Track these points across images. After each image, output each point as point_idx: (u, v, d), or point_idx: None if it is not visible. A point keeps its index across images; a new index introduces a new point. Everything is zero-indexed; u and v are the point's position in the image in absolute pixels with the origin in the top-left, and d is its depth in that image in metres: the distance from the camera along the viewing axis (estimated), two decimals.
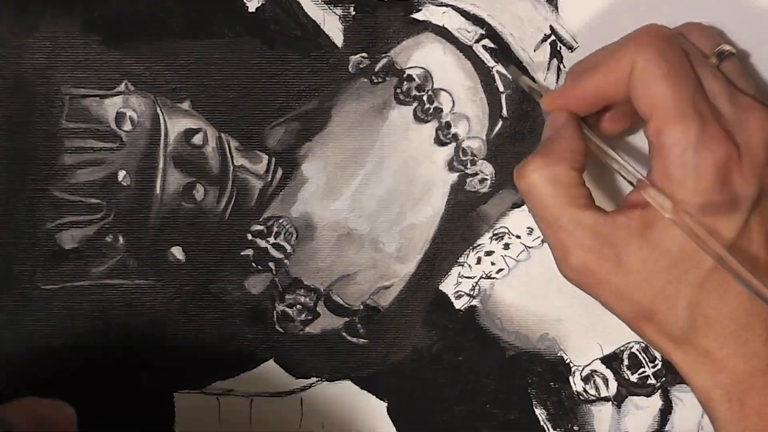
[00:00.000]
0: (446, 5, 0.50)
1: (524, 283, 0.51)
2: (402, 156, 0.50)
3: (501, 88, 0.50)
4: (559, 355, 0.51)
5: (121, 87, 0.50)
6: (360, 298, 0.51)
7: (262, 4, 0.49)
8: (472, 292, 0.51)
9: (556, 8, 0.50)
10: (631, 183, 0.43)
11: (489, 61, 0.50)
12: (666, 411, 0.51)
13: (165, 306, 0.50)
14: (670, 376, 0.51)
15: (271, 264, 0.50)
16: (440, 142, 0.50)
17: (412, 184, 0.50)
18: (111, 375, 0.51)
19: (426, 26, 0.50)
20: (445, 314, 0.51)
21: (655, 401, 0.51)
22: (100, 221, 0.50)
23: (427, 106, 0.50)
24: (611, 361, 0.51)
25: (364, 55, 0.50)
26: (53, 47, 0.49)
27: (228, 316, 0.51)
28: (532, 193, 0.44)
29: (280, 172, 0.50)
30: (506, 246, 0.51)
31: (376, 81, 0.50)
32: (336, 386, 0.51)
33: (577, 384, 0.51)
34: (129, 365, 0.51)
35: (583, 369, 0.51)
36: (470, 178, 0.50)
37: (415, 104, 0.50)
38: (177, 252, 0.50)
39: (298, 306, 0.51)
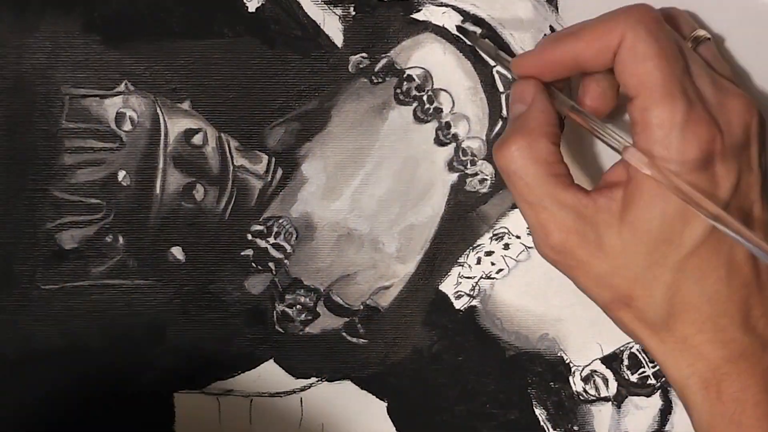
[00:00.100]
0: (446, 5, 0.50)
1: (524, 283, 0.51)
2: (402, 156, 0.50)
3: (501, 88, 0.50)
4: (559, 355, 0.51)
5: (121, 87, 0.50)
6: (360, 298, 0.51)
7: (262, 4, 0.49)
8: (472, 293, 0.51)
9: (556, 8, 0.50)
10: (615, 149, 0.42)
11: (489, 61, 0.50)
12: (666, 411, 0.51)
13: (165, 306, 0.50)
14: None
15: (271, 264, 0.50)
16: (440, 142, 0.50)
17: (412, 184, 0.50)
18: (111, 375, 0.51)
19: (426, 26, 0.50)
20: (445, 314, 0.51)
21: (655, 401, 0.51)
22: (100, 221, 0.50)
23: (427, 106, 0.50)
24: (611, 361, 0.51)
25: (364, 55, 0.50)
26: (53, 47, 0.49)
27: (228, 316, 0.51)
28: (516, 173, 0.43)
29: (280, 172, 0.50)
30: (506, 246, 0.51)
31: (376, 81, 0.50)
32: (336, 386, 0.51)
33: (577, 384, 0.51)
34: (129, 365, 0.51)
35: (583, 369, 0.51)
36: (470, 178, 0.50)
37: (415, 104, 0.50)
38: (177, 252, 0.50)
39: (298, 306, 0.51)
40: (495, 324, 0.51)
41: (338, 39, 0.50)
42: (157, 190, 0.50)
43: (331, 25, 0.50)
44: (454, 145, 0.50)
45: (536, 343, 0.51)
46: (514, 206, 0.51)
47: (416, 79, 0.50)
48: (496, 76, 0.50)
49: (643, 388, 0.51)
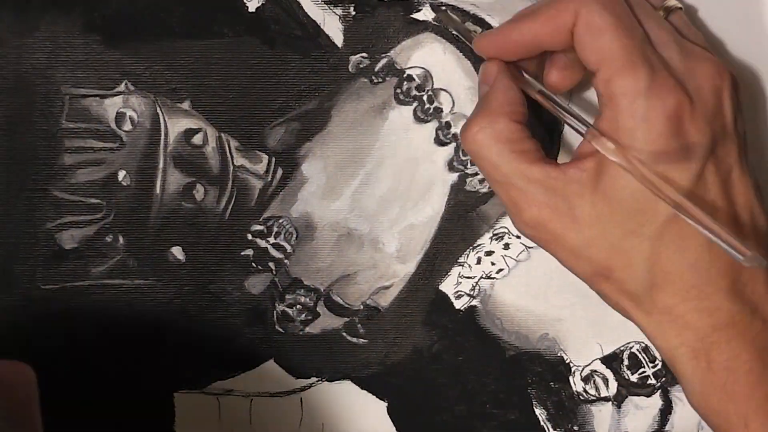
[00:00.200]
0: (446, 5, 0.50)
1: (524, 283, 0.51)
2: (402, 156, 0.50)
3: None
4: (559, 355, 0.51)
5: (121, 87, 0.50)
6: (360, 298, 0.51)
7: (262, 4, 0.49)
8: (472, 292, 0.51)
9: None
10: (579, 132, 0.42)
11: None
12: (666, 411, 0.51)
13: (165, 306, 0.50)
14: (670, 376, 0.51)
15: (271, 264, 0.50)
16: (440, 142, 0.50)
17: (412, 184, 0.50)
18: (111, 375, 0.51)
19: (426, 26, 0.50)
20: (445, 314, 0.51)
21: (655, 401, 0.51)
22: (100, 221, 0.50)
23: (427, 106, 0.50)
24: (611, 361, 0.51)
25: (364, 55, 0.50)
26: (53, 47, 0.49)
27: (228, 316, 0.51)
28: (480, 153, 0.43)
29: (280, 172, 0.50)
30: (506, 246, 0.51)
31: (376, 81, 0.50)
32: (336, 386, 0.51)
33: (577, 384, 0.51)
34: (129, 365, 0.51)
35: (583, 369, 0.51)
36: (470, 178, 0.50)
37: (415, 104, 0.50)
38: (177, 252, 0.50)
39: (298, 306, 0.51)
40: (495, 324, 0.51)
41: (338, 39, 0.50)
42: (157, 190, 0.50)
43: (331, 25, 0.50)
44: (454, 144, 0.50)
45: (536, 343, 0.51)
46: None
47: (416, 79, 0.50)
48: None
49: (643, 388, 0.51)
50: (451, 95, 0.50)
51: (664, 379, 0.51)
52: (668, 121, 0.41)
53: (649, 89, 0.40)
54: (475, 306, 0.51)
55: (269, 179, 0.50)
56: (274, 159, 0.50)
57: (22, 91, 0.49)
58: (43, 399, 0.51)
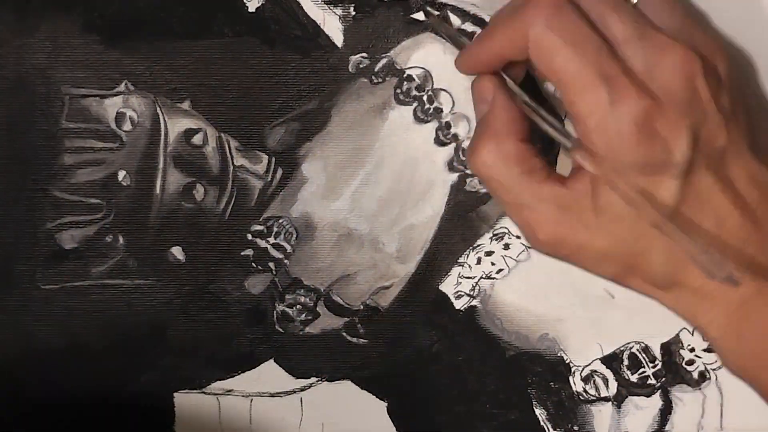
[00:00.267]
0: (446, 5, 0.50)
1: (524, 283, 0.51)
2: (402, 156, 0.50)
3: None
4: (559, 355, 0.51)
5: (121, 87, 0.50)
6: (360, 298, 0.51)
7: (262, 4, 0.49)
8: (472, 293, 0.51)
9: None
10: (564, 145, 0.42)
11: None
12: (666, 411, 0.51)
13: (165, 306, 0.50)
14: (670, 376, 0.51)
15: (271, 264, 0.50)
16: (440, 142, 0.50)
17: (412, 184, 0.50)
18: (111, 375, 0.51)
19: (426, 26, 0.50)
20: (445, 314, 0.51)
21: (655, 401, 0.51)
22: (100, 221, 0.50)
23: (427, 106, 0.50)
24: (611, 361, 0.51)
25: (364, 55, 0.50)
26: (53, 47, 0.49)
27: (228, 316, 0.51)
28: (490, 176, 0.43)
29: (280, 172, 0.50)
30: (506, 246, 0.51)
31: (376, 81, 0.50)
32: (336, 386, 0.51)
33: (577, 384, 0.51)
34: (129, 365, 0.51)
35: (583, 369, 0.51)
36: (470, 178, 0.50)
37: (415, 104, 0.50)
38: (177, 252, 0.50)
39: (298, 306, 0.51)
40: (495, 324, 0.51)
41: (338, 39, 0.50)
42: (157, 190, 0.50)
43: (331, 25, 0.50)
44: (454, 145, 0.50)
45: (536, 343, 0.51)
46: None
47: (416, 79, 0.50)
48: None
49: (643, 388, 0.51)
50: (451, 95, 0.50)
51: (664, 379, 0.51)
52: (638, 129, 0.40)
53: (612, 103, 0.40)
54: (475, 306, 0.51)
55: (269, 179, 0.50)
56: (274, 159, 0.50)
57: (22, 91, 0.49)
58: (43, 399, 0.51)
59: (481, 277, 0.51)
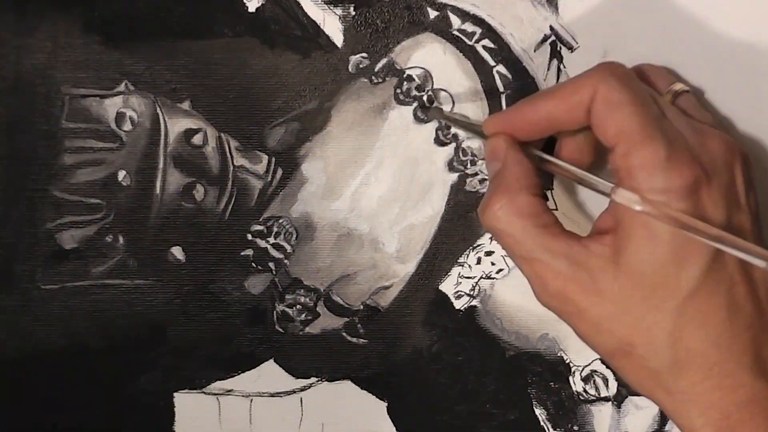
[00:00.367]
0: (446, 5, 0.50)
1: (524, 283, 0.51)
2: (402, 156, 0.50)
3: (501, 88, 0.50)
4: (559, 355, 0.51)
5: (121, 87, 0.50)
6: (360, 298, 0.51)
7: (262, 4, 0.49)
8: (472, 292, 0.51)
9: (556, 8, 0.50)
10: (604, 193, 0.42)
11: (489, 61, 0.50)
12: None
13: (165, 306, 0.50)
14: None
15: (271, 264, 0.50)
16: (440, 142, 0.50)
17: (412, 184, 0.50)
18: (111, 375, 0.51)
19: (426, 26, 0.50)
20: (445, 314, 0.51)
21: None
22: (100, 221, 0.50)
23: (427, 106, 0.50)
24: None
25: (364, 55, 0.50)
26: (53, 47, 0.49)
27: (228, 316, 0.51)
28: (504, 231, 0.43)
29: (280, 172, 0.50)
30: None
31: (376, 81, 0.50)
32: (336, 386, 0.51)
33: (577, 384, 0.51)
34: (129, 365, 0.51)
35: (583, 369, 0.51)
36: (470, 178, 0.50)
37: (415, 104, 0.50)
38: (177, 252, 0.50)
39: (298, 306, 0.51)
40: (495, 324, 0.51)
41: (338, 39, 0.50)
42: (157, 190, 0.50)
43: (331, 25, 0.50)
44: (454, 145, 0.50)
45: (536, 343, 0.51)
46: None
47: (416, 79, 0.50)
48: (496, 76, 0.50)
49: None
50: (451, 95, 0.50)
51: None
52: (686, 192, 0.41)
53: (668, 160, 0.40)
54: (475, 306, 0.51)
55: (269, 179, 0.50)
56: (274, 159, 0.50)
57: (22, 91, 0.49)
58: (43, 399, 0.51)
59: (481, 277, 0.51)
